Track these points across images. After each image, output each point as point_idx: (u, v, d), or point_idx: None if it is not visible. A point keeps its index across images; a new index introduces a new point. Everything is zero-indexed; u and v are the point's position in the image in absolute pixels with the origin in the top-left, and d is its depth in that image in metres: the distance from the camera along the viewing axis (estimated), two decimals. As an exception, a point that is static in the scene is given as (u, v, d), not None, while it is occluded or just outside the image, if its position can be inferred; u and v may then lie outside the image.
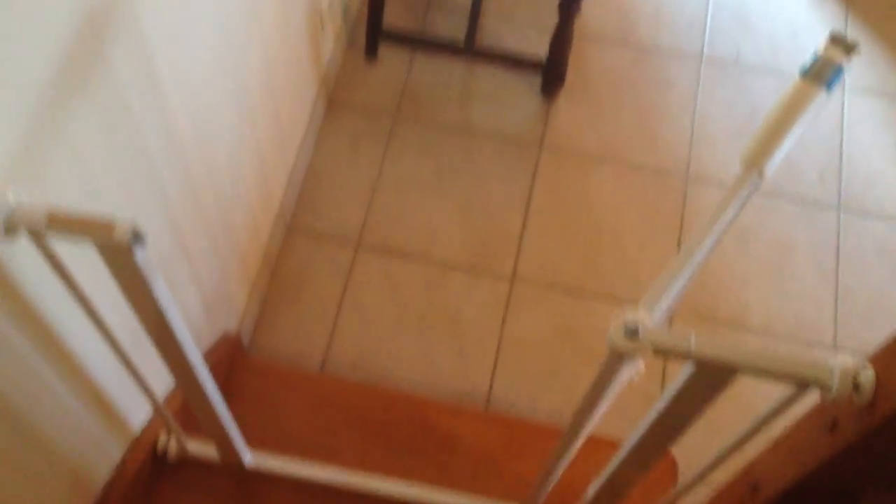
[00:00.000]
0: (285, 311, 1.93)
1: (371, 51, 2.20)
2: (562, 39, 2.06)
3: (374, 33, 2.15)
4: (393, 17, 2.31)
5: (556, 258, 2.03)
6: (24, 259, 0.90)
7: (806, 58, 0.96)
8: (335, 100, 2.18)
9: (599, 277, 2.01)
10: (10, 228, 0.81)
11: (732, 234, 2.09)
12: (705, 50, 2.34)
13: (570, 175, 2.14)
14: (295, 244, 2.00)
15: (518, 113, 2.20)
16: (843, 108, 2.26)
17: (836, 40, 0.97)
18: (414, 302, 1.95)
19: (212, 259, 1.54)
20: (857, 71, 2.32)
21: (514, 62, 2.20)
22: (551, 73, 2.16)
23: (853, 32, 2.38)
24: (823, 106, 0.96)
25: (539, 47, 2.28)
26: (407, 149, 2.13)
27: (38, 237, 0.82)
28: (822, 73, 0.95)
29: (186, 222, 1.37)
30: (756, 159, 0.90)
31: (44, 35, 0.88)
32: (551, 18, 2.17)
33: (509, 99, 2.22)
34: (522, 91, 2.23)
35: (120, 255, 0.78)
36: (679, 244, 2.06)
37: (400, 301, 1.95)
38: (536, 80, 2.23)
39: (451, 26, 2.31)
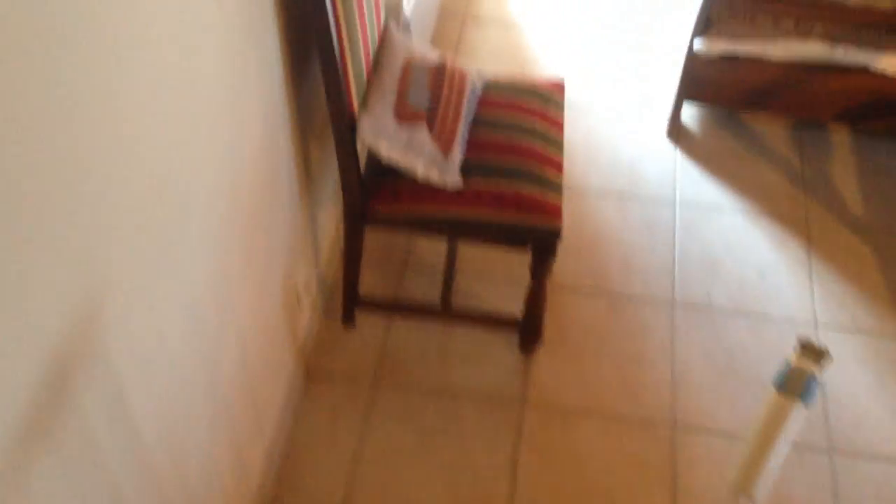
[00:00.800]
0: None
1: (348, 319, 2.22)
2: (536, 298, 2.10)
3: (350, 303, 2.18)
4: (368, 282, 2.36)
5: (548, 525, 1.95)
6: None
7: (779, 362, 0.96)
8: (313, 370, 2.17)
9: (594, 544, 1.92)
10: None
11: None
12: (677, 295, 2.39)
13: (556, 432, 2.10)
14: (275, 527, 1.92)
15: (498, 371, 2.20)
16: (819, 348, 2.28)
17: (806, 347, 0.98)
18: (402, 585, 1.84)
19: (185, 568, 1.46)
20: (828, 309, 2.37)
21: (491, 321, 2.22)
22: (528, 331, 2.18)
23: (816, 270, 2.45)
24: (803, 419, 0.95)
25: (514, 303, 2.32)
26: (388, 417, 2.10)
27: None
28: (796, 386, 0.95)
29: (157, 539, 1.31)
30: (745, 487, 0.87)
31: (4, 391, 0.87)
32: (524, 273, 2.22)
33: (488, 357, 2.22)
34: (501, 348, 2.24)
35: None
36: (673, 499, 2.00)
37: (387, 585, 1.84)
38: (514, 337, 2.25)
39: (427, 288, 2.36)
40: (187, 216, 1.29)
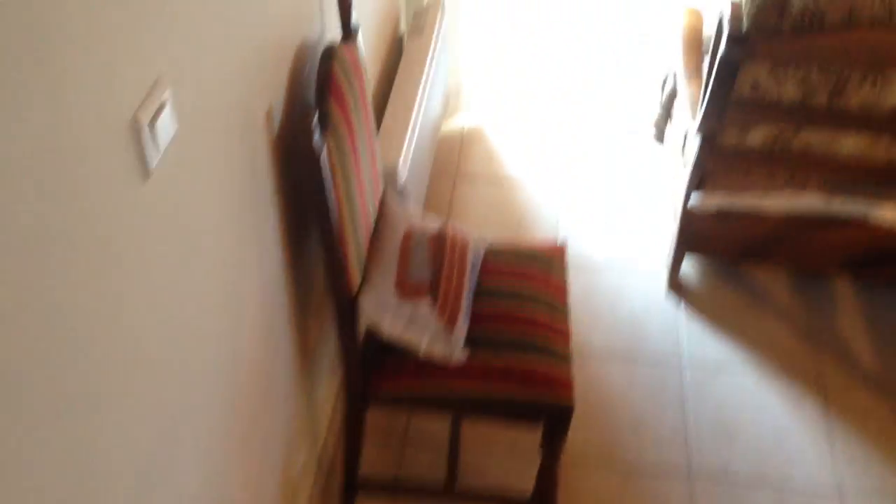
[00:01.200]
0: None
1: (348, 505, 2.07)
2: (548, 477, 1.97)
3: (350, 490, 2.03)
4: (367, 459, 2.22)
5: None
6: None
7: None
8: (311, 561, 2.01)
9: None
10: None
11: None
12: (692, 464, 2.26)
13: None
14: None
15: (510, 558, 2.04)
16: (849, 520, 2.15)
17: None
18: None
19: None
20: (852, 473, 2.24)
21: (499, 501, 2.08)
22: (540, 511, 2.04)
23: (835, 431, 2.34)
24: None
25: (523, 479, 2.18)
26: None
27: None
28: None
29: None
30: None
31: None
32: (531, 444, 2.10)
33: (498, 542, 2.07)
34: (511, 531, 2.09)
35: None
36: None
37: None
38: (525, 517, 2.10)
39: (429, 464, 2.22)
40: (178, 423, 1.18)
